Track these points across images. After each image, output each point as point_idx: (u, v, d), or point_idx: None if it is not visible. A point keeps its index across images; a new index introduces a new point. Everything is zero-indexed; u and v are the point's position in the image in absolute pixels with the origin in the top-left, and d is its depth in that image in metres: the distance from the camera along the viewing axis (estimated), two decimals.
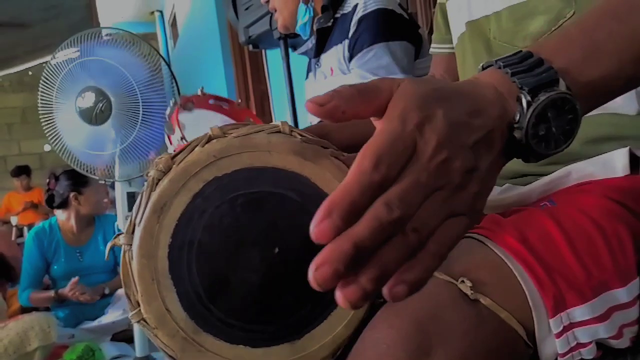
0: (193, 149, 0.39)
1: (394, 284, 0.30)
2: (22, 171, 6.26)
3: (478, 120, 0.34)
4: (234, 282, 0.38)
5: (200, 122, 0.86)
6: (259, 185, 0.38)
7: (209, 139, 0.39)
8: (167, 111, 0.85)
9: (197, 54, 5.16)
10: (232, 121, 0.90)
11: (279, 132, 0.40)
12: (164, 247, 0.37)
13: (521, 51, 0.38)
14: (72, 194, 2.61)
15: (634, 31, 0.40)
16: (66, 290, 2.45)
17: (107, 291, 2.54)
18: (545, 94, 0.35)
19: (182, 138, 0.81)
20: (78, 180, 2.61)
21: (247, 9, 2.10)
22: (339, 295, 0.29)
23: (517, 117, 0.35)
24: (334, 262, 0.28)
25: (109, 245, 0.38)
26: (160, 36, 7.13)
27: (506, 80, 0.36)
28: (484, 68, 0.39)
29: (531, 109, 0.35)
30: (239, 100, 0.97)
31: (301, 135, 0.40)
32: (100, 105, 1.71)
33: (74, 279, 2.45)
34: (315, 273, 0.28)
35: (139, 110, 1.78)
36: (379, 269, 0.29)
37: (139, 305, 0.37)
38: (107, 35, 1.86)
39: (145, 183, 0.38)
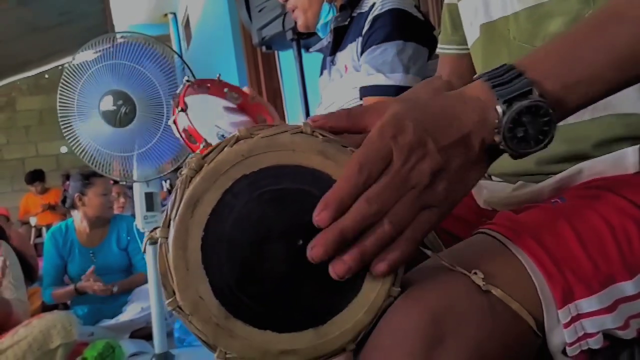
0: (222, 149, 0.41)
1: (377, 261, 0.40)
2: (36, 177, 6.28)
3: (453, 126, 0.41)
4: (262, 272, 0.40)
5: (207, 106, 0.89)
6: (284, 182, 0.41)
7: (237, 139, 0.42)
8: (179, 89, 0.88)
9: (211, 54, 5.20)
10: (241, 114, 0.92)
11: (302, 132, 0.43)
12: (197, 239, 0.40)
13: (505, 65, 0.44)
14: (76, 195, 2.68)
15: (610, 39, 0.44)
16: (83, 282, 2.51)
17: (115, 289, 2.59)
18: (518, 102, 0.41)
19: (183, 110, 0.83)
20: (83, 182, 2.67)
21: (260, 10, 2.13)
22: (330, 269, 0.40)
23: (496, 123, 0.42)
24: (325, 244, 0.39)
25: (145, 238, 0.41)
26: (173, 38, 7.19)
27: (488, 90, 0.43)
28: (474, 79, 0.45)
29: (506, 116, 0.42)
30: (254, 94, 0.98)
31: (322, 135, 0.43)
32: (125, 108, 1.74)
33: (90, 270, 2.51)
34: (311, 251, 0.39)
35: (162, 113, 1.80)
36: (360, 251, 0.39)
37: (174, 294, 0.40)
38: (121, 37, 1.88)
39: (179, 181, 0.41)
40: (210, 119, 0.89)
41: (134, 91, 1.80)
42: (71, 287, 2.60)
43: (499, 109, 0.42)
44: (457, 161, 0.41)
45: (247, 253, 0.40)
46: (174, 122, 0.85)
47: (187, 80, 0.89)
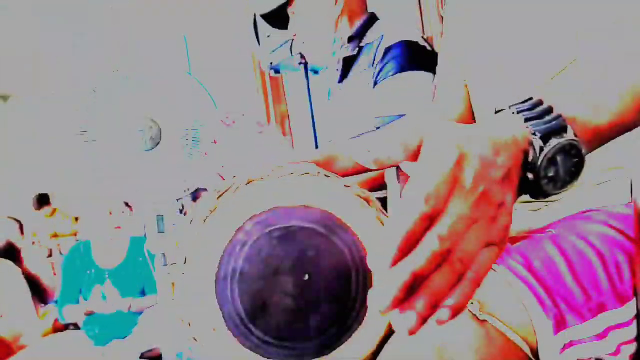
0: (235, 190, 0.45)
1: (439, 309, 0.33)
2: (42, 202, 6.31)
3: (500, 158, 0.36)
4: (271, 305, 0.44)
5: None
6: (291, 220, 0.44)
7: (249, 181, 0.45)
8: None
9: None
10: None
11: (307, 173, 0.46)
12: (211, 274, 0.43)
13: (532, 98, 0.41)
14: None
15: (632, 87, 0.43)
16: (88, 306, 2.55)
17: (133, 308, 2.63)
18: (555, 139, 0.38)
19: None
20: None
21: (268, 36, 2.19)
22: (398, 323, 0.32)
23: (530, 159, 0.38)
24: (394, 289, 0.31)
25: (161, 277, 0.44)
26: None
27: (520, 123, 0.39)
28: (496, 112, 0.42)
29: (543, 153, 0.38)
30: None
31: (326, 175, 0.47)
32: (150, 133, 1.75)
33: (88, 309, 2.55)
34: (376, 300, 0.31)
35: (188, 138, 1.81)
36: (433, 295, 0.32)
37: (189, 325, 0.43)
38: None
39: (194, 220, 0.44)
40: None
41: (157, 115, 1.80)
42: (80, 307, 2.63)
43: (536, 144, 0.38)
44: (510, 195, 0.37)
45: (257, 287, 0.43)
46: None
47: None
